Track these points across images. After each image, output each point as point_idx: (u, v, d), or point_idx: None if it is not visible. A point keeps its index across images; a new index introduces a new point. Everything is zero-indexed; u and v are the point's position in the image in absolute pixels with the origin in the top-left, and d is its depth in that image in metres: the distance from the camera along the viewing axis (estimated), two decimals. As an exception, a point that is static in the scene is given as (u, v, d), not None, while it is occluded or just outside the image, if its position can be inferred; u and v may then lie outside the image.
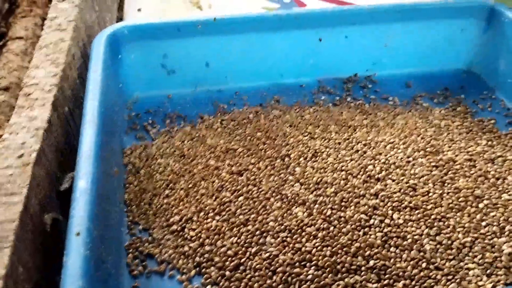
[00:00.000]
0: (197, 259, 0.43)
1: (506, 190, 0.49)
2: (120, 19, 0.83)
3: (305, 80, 0.65)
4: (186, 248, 0.44)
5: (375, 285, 0.40)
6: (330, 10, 0.64)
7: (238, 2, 0.86)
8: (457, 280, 0.41)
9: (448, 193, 0.48)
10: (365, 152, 0.52)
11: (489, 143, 0.55)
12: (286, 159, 0.52)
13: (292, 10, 0.68)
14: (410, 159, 0.52)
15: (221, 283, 0.41)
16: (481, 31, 0.66)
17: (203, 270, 0.42)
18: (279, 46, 0.63)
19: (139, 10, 0.83)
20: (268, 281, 0.41)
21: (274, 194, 0.48)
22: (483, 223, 0.45)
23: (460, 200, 0.47)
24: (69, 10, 0.54)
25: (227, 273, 0.42)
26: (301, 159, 0.52)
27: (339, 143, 0.54)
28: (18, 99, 0.43)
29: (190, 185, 0.49)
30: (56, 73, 0.45)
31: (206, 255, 0.43)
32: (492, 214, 0.46)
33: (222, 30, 0.60)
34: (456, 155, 0.52)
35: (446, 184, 0.49)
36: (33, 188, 0.36)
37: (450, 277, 0.41)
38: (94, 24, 0.62)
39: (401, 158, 0.52)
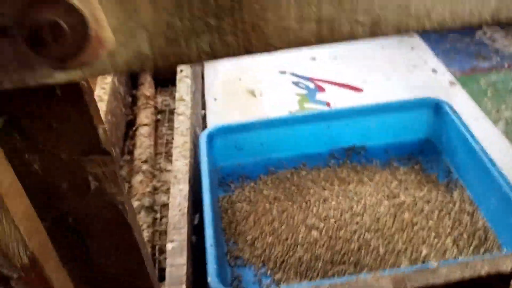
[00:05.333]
0: (262, 258, 0.85)
1: (432, 218, 0.88)
2: (203, 106, 1.27)
3: (322, 150, 1.06)
4: (256, 253, 0.86)
5: (352, 270, 0.81)
6: (335, 111, 1.05)
7: (278, 89, 1.28)
8: (391, 264, 0.80)
9: (397, 221, 0.87)
10: (353, 198, 0.93)
11: (429, 189, 0.94)
12: (308, 203, 0.93)
13: (316, 111, 1.11)
14: (378, 202, 0.92)
15: (275, 270, 0.83)
16: (433, 115, 1.05)
17: (266, 264, 0.84)
18: (307, 131, 1.04)
19: (215, 99, 1.26)
20: (298, 269, 0.82)
21: (301, 223, 0.89)
22: (414, 238, 0.85)
23: (403, 225, 0.87)
24: (185, 121, 0.98)
25: (278, 264, 0.83)
26: (317, 202, 0.93)
27: (339, 192, 0.95)
28: (171, 179, 0.86)
29: (256, 219, 0.91)
30: (187, 163, 0.88)
31: (266, 256, 0.85)
32: (419, 233, 0.85)
33: (270, 125, 1.02)
34: (406, 198, 0.92)
35: (396, 216, 0.88)
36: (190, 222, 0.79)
37: (390, 263, 0.81)
38: (197, 123, 1.06)
39: (373, 201, 0.92)
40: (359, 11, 0.27)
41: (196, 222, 0.86)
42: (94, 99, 0.34)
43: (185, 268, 0.70)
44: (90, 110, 0.33)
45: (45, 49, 0.26)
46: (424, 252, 0.82)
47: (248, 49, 0.28)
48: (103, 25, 0.26)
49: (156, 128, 1.19)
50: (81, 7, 0.25)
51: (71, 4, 0.25)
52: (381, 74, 1.34)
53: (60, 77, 0.28)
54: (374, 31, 0.28)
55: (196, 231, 0.85)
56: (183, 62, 0.29)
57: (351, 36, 0.28)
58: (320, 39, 0.28)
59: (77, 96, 0.32)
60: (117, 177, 0.36)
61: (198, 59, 0.28)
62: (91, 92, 0.33)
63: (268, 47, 0.28)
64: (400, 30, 0.28)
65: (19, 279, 0.35)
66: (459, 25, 0.28)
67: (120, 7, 0.26)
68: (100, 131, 0.34)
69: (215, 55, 0.28)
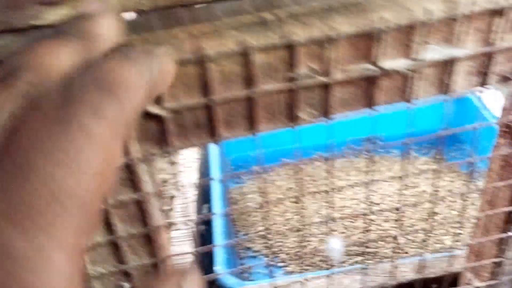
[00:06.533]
0: (273, 249, 0.80)
1: (455, 208, 0.83)
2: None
3: (338, 141, 1.02)
4: (268, 244, 0.81)
5: (370, 262, 0.76)
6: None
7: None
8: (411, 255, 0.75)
9: (418, 211, 0.83)
10: (370, 188, 0.88)
11: (451, 179, 0.89)
12: (322, 193, 0.88)
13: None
14: (397, 191, 0.87)
15: (287, 262, 0.78)
16: (454, 102, 1.00)
17: (277, 254, 0.80)
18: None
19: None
20: (312, 260, 0.77)
21: (315, 214, 0.84)
22: (436, 228, 0.79)
23: (423, 215, 0.82)
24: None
25: (290, 255, 0.79)
26: (331, 192, 0.88)
27: (355, 182, 0.90)
28: (179, 167, 0.83)
29: (268, 209, 0.87)
30: (196, 152, 0.85)
31: (279, 247, 0.80)
32: (442, 223, 0.80)
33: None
34: (427, 188, 0.87)
35: (416, 206, 0.83)
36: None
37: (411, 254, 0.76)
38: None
39: (392, 191, 0.87)
40: None
41: (205, 211, 0.82)
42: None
43: (190, 256, 0.67)
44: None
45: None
46: (447, 243, 0.77)
47: None
48: None
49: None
50: None
51: None
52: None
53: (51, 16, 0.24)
54: None
55: (205, 222, 0.81)
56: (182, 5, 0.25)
57: None
58: None
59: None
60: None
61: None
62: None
63: None
64: None
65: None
66: None
67: None
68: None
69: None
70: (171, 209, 0.86)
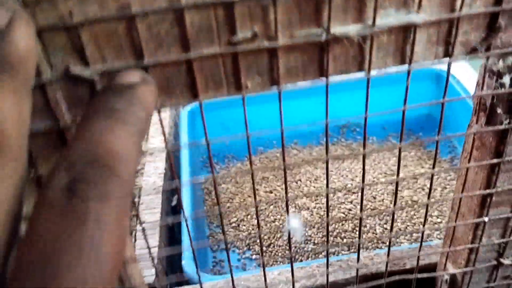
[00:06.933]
0: (247, 241, 0.77)
1: (434, 196, 0.80)
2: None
3: (314, 128, 0.99)
4: (240, 236, 0.78)
5: (346, 252, 0.73)
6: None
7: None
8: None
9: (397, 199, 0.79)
10: (347, 176, 0.85)
11: (430, 166, 0.86)
12: (299, 182, 0.85)
13: (307, 85, 1.02)
14: (375, 179, 0.84)
15: (259, 253, 0.75)
16: (434, 87, 0.97)
17: (251, 247, 0.76)
18: (298, 107, 0.96)
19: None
20: (286, 252, 0.74)
21: (290, 204, 0.81)
22: (414, 217, 0.77)
23: (402, 203, 0.79)
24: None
25: (264, 248, 0.75)
26: (308, 182, 0.85)
27: (332, 171, 0.87)
28: (147, 157, 0.79)
29: (242, 200, 0.83)
30: (164, 141, 0.81)
31: (252, 239, 0.77)
32: (421, 211, 0.77)
33: (259, 101, 0.94)
34: (406, 175, 0.84)
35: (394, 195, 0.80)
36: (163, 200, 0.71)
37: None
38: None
39: (370, 179, 0.84)
40: None
41: (174, 203, 0.78)
42: None
43: (156, 250, 0.63)
44: None
45: None
46: (426, 232, 0.74)
47: None
48: None
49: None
50: None
51: None
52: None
53: None
54: None
55: (175, 212, 0.78)
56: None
57: None
58: None
59: None
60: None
61: None
62: None
63: None
64: None
65: None
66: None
67: None
68: None
69: None
70: (139, 201, 0.82)
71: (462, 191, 0.39)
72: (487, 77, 0.32)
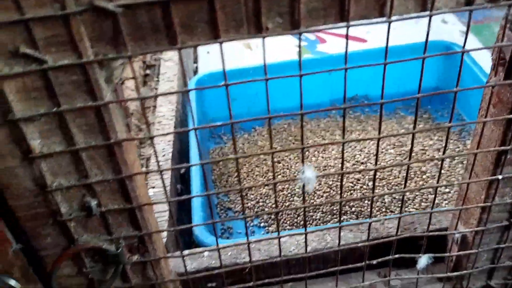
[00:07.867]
0: (255, 210, 0.77)
1: (443, 167, 0.80)
2: (195, 59, 1.19)
3: (323, 100, 0.98)
4: (249, 204, 0.78)
5: (353, 221, 0.73)
6: (336, 56, 0.96)
7: (275, 42, 1.20)
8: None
9: (405, 169, 0.80)
10: (356, 147, 0.85)
11: (439, 138, 0.86)
12: (307, 152, 0.85)
13: (317, 56, 1.02)
14: (384, 150, 0.84)
15: (269, 222, 0.75)
16: (443, 60, 0.96)
17: (259, 215, 0.77)
18: (306, 79, 0.96)
19: (208, 52, 1.18)
20: (295, 220, 0.74)
21: (298, 173, 0.81)
22: (423, 187, 0.77)
23: (410, 174, 0.79)
24: (173, 67, 0.90)
25: (272, 216, 0.76)
26: (316, 152, 0.85)
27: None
28: (154, 125, 0.79)
29: (249, 170, 0.84)
30: (173, 109, 0.81)
31: (260, 208, 0.77)
32: (429, 182, 0.77)
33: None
34: (415, 147, 0.84)
35: (403, 165, 0.80)
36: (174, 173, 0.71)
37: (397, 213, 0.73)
38: (187, 69, 0.98)
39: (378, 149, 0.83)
40: None
41: (182, 171, 0.78)
42: None
43: (167, 214, 0.63)
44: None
45: None
46: (436, 201, 0.74)
47: None
48: None
49: (144, 83, 1.11)
50: None
51: None
52: (385, 25, 1.25)
53: None
54: None
55: (184, 182, 0.78)
56: None
57: None
58: None
59: None
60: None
61: None
62: None
63: None
64: None
65: None
66: None
67: None
68: None
69: None
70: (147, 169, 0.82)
71: (477, 149, 0.39)
72: (508, 28, 0.32)
